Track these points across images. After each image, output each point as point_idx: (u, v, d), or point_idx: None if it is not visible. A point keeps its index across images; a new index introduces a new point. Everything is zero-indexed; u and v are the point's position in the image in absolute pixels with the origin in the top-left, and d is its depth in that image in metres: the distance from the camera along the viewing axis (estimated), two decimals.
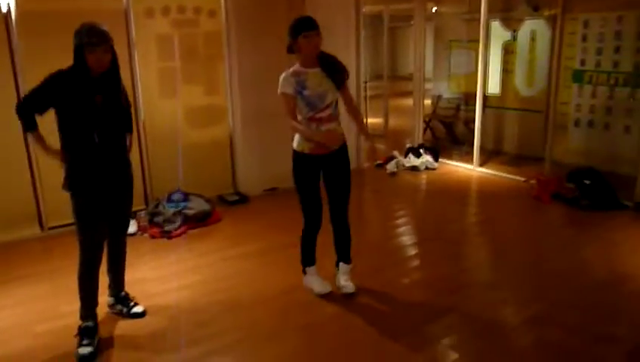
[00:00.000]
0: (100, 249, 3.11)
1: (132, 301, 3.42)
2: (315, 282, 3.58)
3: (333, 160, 3.38)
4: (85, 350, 2.94)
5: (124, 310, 3.37)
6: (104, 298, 3.38)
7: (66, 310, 3.37)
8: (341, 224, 3.53)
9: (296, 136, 3.34)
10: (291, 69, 3.26)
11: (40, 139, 2.97)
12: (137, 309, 3.37)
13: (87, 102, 2.89)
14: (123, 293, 3.42)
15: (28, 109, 2.89)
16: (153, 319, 3.33)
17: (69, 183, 2.98)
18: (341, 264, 3.61)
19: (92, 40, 2.80)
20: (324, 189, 3.45)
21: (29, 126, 2.93)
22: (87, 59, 2.82)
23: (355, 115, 3.51)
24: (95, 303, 3.13)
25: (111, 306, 3.41)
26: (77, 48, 2.82)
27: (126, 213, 3.30)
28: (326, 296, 3.52)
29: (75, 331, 3.04)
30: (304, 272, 3.63)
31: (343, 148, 3.42)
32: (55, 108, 2.91)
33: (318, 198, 3.42)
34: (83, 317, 3.09)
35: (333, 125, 3.31)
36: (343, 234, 3.56)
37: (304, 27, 3.14)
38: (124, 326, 3.26)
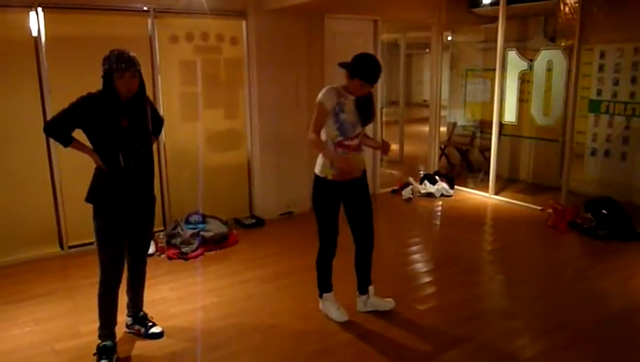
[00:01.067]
0: (120, 269, 3.16)
1: (150, 321, 3.46)
2: (332, 308, 3.59)
3: (356, 186, 3.43)
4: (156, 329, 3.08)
5: (142, 330, 3.41)
6: (123, 317, 3.43)
7: (85, 329, 3.43)
8: (367, 247, 3.57)
9: (320, 161, 3.37)
10: (333, 86, 3.27)
11: (81, 148, 3.06)
12: (155, 330, 3.41)
13: (114, 126, 2.99)
14: (141, 313, 3.47)
15: (55, 129, 2.99)
16: (170, 340, 3.37)
17: (92, 195, 3.06)
18: (371, 287, 3.67)
19: (120, 66, 2.91)
20: (343, 216, 3.48)
21: (65, 142, 3.03)
22: (116, 84, 2.93)
23: (369, 140, 3.56)
24: (114, 323, 3.18)
25: (129, 326, 3.46)
26: (106, 74, 2.93)
27: (147, 234, 3.36)
28: (342, 325, 3.53)
29: (94, 350, 3.09)
30: (321, 297, 3.65)
31: (364, 175, 3.48)
32: (82, 129, 3.01)
33: (337, 224, 3.46)
34: (102, 337, 3.13)
35: (358, 155, 3.38)
36: (368, 257, 3.59)
37: (367, 78, 3.16)
38: (141, 347, 3.30)
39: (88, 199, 3.08)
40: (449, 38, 8.38)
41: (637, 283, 4.19)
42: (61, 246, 4.90)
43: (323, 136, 3.32)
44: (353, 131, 3.30)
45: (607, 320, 3.61)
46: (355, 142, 3.33)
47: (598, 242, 5.10)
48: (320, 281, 3.61)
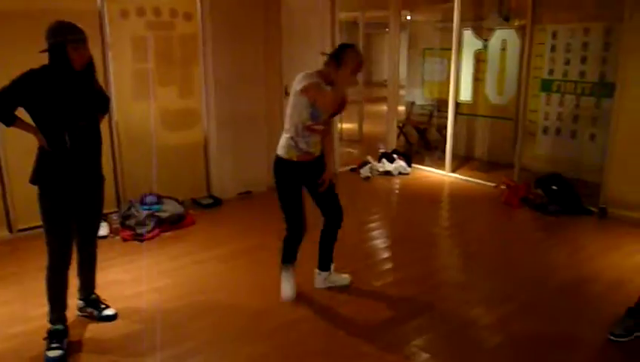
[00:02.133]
0: (69, 252, 3.06)
1: (103, 303, 3.38)
2: (286, 281, 3.58)
3: (316, 165, 3.43)
4: (54, 353, 2.91)
5: (95, 313, 3.34)
6: (75, 300, 3.35)
7: (35, 313, 3.32)
8: (336, 225, 3.58)
9: (284, 143, 3.34)
10: (314, 73, 3.22)
11: (24, 127, 2.91)
12: (108, 312, 3.34)
13: (64, 102, 2.85)
14: (94, 296, 3.39)
15: None
16: (124, 322, 3.31)
17: (36, 176, 2.94)
18: (333, 265, 3.70)
19: (77, 36, 2.79)
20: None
21: (7, 121, 2.89)
22: (71, 56, 2.79)
23: (328, 148, 3.54)
24: (64, 306, 3.10)
25: (81, 309, 3.37)
26: (58, 45, 2.78)
27: (96, 215, 3.27)
28: (298, 298, 3.55)
29: (45, 334, 3.01)
30: (281, 268, 3.61)
31: (322, 155, 3.48)
32: (26, 107, 2.87)
33: (303, 205, 3.45)
34: (52, 321, 3.05)
35: (319, 138, 3.38)
36: (335, 235, 3.62)
37: (359, 68, 3.21)
38: (94, 329, 3.23)
39: (32, 180, 2.95)
40: (408, 17, 8.40)
41: (584, 255, 4.35)
42: (10, 230, 4.72)
43: (292, 121, 3.27)
44: (323, 118, 3.30)
45: (557, 291, 3.75)
46: (322, 127, 3.34)
47: (549, 217, 5.27)
48: (284, 255, 3.58)
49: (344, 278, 3.76)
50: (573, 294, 3.70)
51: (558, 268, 4.15)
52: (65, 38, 2.77)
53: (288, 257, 3.59)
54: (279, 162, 3.37)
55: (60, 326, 3.04)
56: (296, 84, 3.20)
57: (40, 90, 2.81)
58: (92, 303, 3.37)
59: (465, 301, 3.63)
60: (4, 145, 4.53)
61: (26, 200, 4.59)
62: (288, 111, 3.29)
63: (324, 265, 3.69)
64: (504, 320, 3.36)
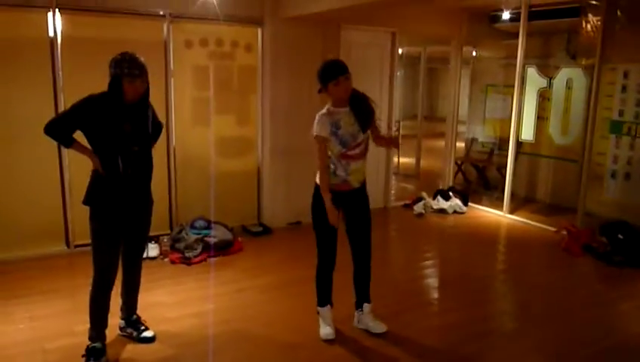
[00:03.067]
0: (114, 272, 3.15)
1: (143, 325, 3.44)
2: (322, 323, 3.51)
3: (355, 197, 3.38)
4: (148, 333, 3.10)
5: (134, 334, 3.39)
6: (117, 319, 3.42)
7: (79, 329, 3.41)
8: (364, 263, 3.49)
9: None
10: (325, 110, 3.27)
11: (81, 149, 3.07)
12: (147, 334, 3.39)
13: (115, 129, 2.99)
14: (135, 317, 3.45)
15: (56, 130, 3.00)
16: (162, 345, 3.34)
17: (89, 197, 3.07)
18: (365, 305, 3.56)
19: (133, 72, 2.92)
20: (342, 229, 3.42)
21: (65, 143, 3.06)
22: (125, 88, 2.93)
23: (381, 138, 3.49)
24: (104, 325, 3.16)
25: (122, 328, 3.44)
26: (115, 77, 2.92)
27: (142, 238, 3.36)
28: (337, 336, 3.46)
29: (84, 352, 3.08)
30: (317, 312, 3.55)
31: (364, 186, 3.42)
32: (82, 131, 3.02)
33: (335, 236, 3.39)
34: (91, 338, 3.12)
35: (361, 162, 3.33)
36: (364, 273, 3.51)
37: (332, 75, 3.15)
38: (132, 350, 3.28)
39: (86, 201, 3.08)
40: (474, 53, 8.27)
41: None
42: (67, 245, 4.93)
43: (330, 153, 3.28)
44: (355, 140, 3.25)
45: (616, 350, 3.46)
46: (357, 150, 3.28)
47: (612, 268, 4.92)
48: (318, 294, 3.53)
49: (378, 325, 3.54)
50: (633, 354, 3.41)
51: (618, 324, 3.84)
52: (122, 72, 2.90)
53: (323, 298, 3.51)
54: (316, 189, 3.35)
55: (98, 344, 3.10)
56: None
57: (96, 116, 2.95)
58: (132, 324, 3.43)
59: (515, 351, 3.41)
60: (68, 164, 4.77)
61: (84, 217, 4.82)
62: None
63: (358, 303, 3.58)
64: None
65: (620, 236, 5.14)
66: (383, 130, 3.53)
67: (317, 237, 3.41)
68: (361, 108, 3.27)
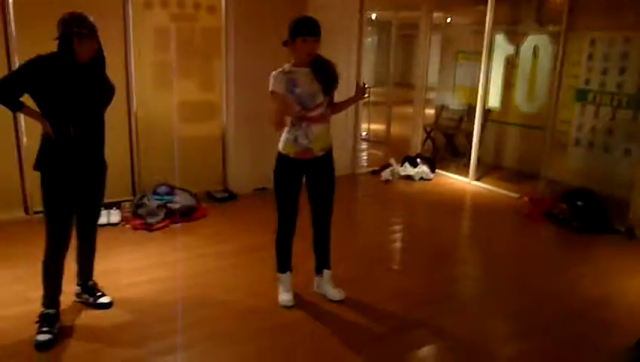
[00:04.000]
0: (67, 238, 3.08)
1: (99, 291, 3.40)
2: (281, 291, 3.52)
3: (318, 165, 3.33)
4: (44, 337, 2.94)
5: (91, 299, 3.36)
6: (73, 286, 3.37)
7: (34, 295, 3.33)
8: (323, 230, 3.49)
9: (283, 139, 3.28)
10: (281, 68, 3.20)
11: (30, 113, 2.95)
12: (103, 300, 3.36)
13: (67, 91, 2.88)
14: (90, 283, 3.41)
15: (3, 93, 2.86)
16: (118, 311, 3.32)
17: (40, 163, 2.98)
18: (325, 271, 3.56)
19: (82, 31, 2.81)
20: (304, 195, 3.39)
21: (13, 107, 2.94)
22: (76, 48, 2.82)
23: (337, 106, 3.44)
24: (58, 291, 3.12)
25: (78, 295, 3.40)
26: (64, 36, 2.82)
27: (96, 203, 3.28)
28: (297, 301, 3.47)
29: (37, 317, 3.04)
30: (277, 277, 3.56)
31: (329, 154, 3.37)
32: (31, 94, 2.90)
33: (296, 204, 3.37)
34: (45, 305, 3.07)
35: (324, 126, 3.27)
36: (324, 240, 3.52)
37: (304, 31, 3.08)
38: (87, 316, 3.25)
39: (36, 167, 3.00)
40: (448, 19, 8.20)
41: (604, 277, 4.13)
42: (26, 212, 4.83)
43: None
44: (314, 101, 3.18)
45: (572, 313, 3.56)
46: (318, 111, 3.21)
47: (572, 234, 5.03)
48: (277, 260, 3.53)
49: (337, 293, 3.55)
50: (588, 317, 3.51)
51: (574, 288, 3.94)
52: (71, 31, 2.80)
53: (283, 265, 3.51)
54: (278, 157, 3.31)
55: (51, 311, 3.06)
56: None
57: (46, 78, 2.84)
58: (88, 290, 3.39)
59: (473, 314, 3.49)
60: (24, 129, 4.62)
61: None
62: None
63: (318, 268, 3.59)
64: (512, 337, 3.22)
65: (580, 203, 5.23)
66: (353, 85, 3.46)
67: (278, 204, 3.38)
68: (323, 70, 3.21)
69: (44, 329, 2.98)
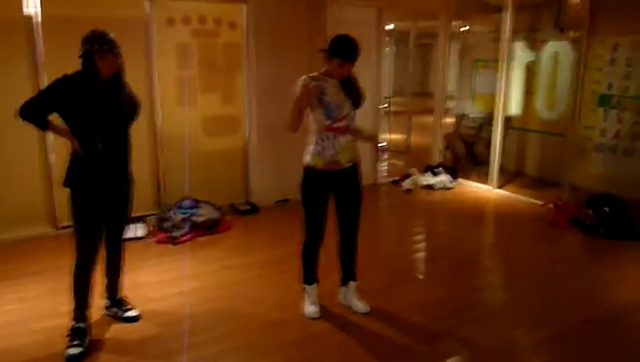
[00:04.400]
0: (95, 253, 3.14)
1: (128, 304, 3.45)
2: (307, 301, 3.53)
3: (345, 177, 3.34)
4: (74, 350, 2.99)
5: (119, 313, 3.41)
6: (102, 300, 3.43)
7: (64, 309, 3.41)
8: (350, 242, 3.49)
9: (309, 150, 3.30)
10: (312, 74, 3.23)
11: (58, 131, 3.05)
12: (131, 313, 3.40)
13: (93, 108, 2.96)
14: (118, 297, 3.46)
15: (31, 113, 2.95)
16: (146, 324, 3.36)
17: (69, 179, 3.06)
18: (351, 283, 3.56)
19: (103, 47, 2.90)
20: (332, 206, 3.41)
21: (42, 126, 3.01)
22: (98, 65, 2.91)
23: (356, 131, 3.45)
24: (87, 305, 3.17)
25: (107, 308, 3.46)
26: (87, 54, 2.91)
27: (123, 218, 3.34)
28: (323, 312, 3.48)
29: (68, 331, 3.09)
30: (303, 289, 3.57)
31: (355, 165, 3.39)
32: (59, 112, 2.99)
33: (324, 216, 3.38)
34: (75, 319, 3.13)
35: (350, 142, 3.29)
36: (350, 251, 3.52)
37: (343, 56, 3.12)
38: (116, 330, 3.30)
39: (66, 183, 3.08)
40: (462, 28, 8.19)
41: (630, 284, 4.06)
42: (54, 226, 4.92)
43: (313, 125, 3.24)
44: (341, 112, 3.21)
45: (598, 319, 3.51)
46: (344, 123, 3.23)
47: (598, 240, 4.96)
48: (304, 272, 3.54)
49: (362, 305, 3.52)
50: (616, 324, 3.46)
51: (603, 294, 3.89)
52: (92, 48, 2.88)
53: (309, 276, 3.52)
54: (305, 170, 3.32)
55: (82, 325, 3.11)
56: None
57: (72, 97, 2.93)
58: (117, 303, 3.44)
59: (499, 323, 3.46)
60: (52, 146, 4.73)
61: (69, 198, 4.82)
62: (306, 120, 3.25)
63: (344, 279, 3.59)
64: (540, 346, 3.18)
65: (606, 209, 5.16)
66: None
67: (305, 216, 3.39)
68: (351, 87, 3.26)
69: (75, 342, 3.03)
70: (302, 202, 3.38)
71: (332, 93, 3.19)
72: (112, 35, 2.97)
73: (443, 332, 3.33)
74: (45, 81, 4.51)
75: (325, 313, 3.49)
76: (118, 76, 3.05)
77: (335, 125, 3.21)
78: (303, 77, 3.22)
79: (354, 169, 3.37)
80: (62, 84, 2.93)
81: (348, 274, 3.57)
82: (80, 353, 2.98)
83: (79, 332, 3.08)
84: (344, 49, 3.12)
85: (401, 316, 3.51)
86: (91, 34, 2.93)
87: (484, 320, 3.51)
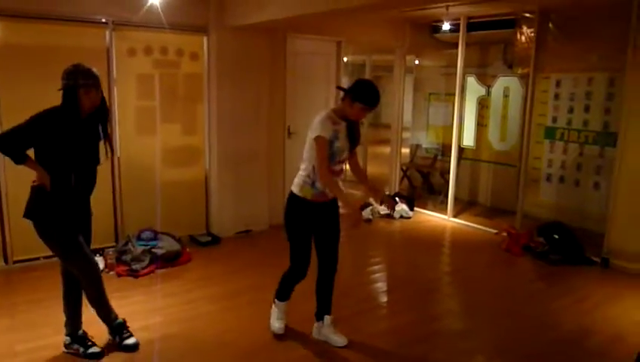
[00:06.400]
0: (97, 265, 3.27)
1: (90, 341, 3.33)
2: (274, 316, 3.58)
3: (329, 207, 3.38)
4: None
5: (81, 350, 3.29)
6: (60, 337, 3.31)
7: (21, 348, 3.30)
8: (329, 277, 3.50)
9: (299, 182, 3.30)
10: (327, 115, 3.21)
11: (33, 166, 2.98)
12: (94, 349, 3.29)
13: (72, 145, 2.95)
14: (81, 332, 3.35)
15: (9, 146, 2.90)
16: (108, 361, 3.25)
17: (33, 212, 3.00)
18: (327, 317, 3.56)
19: (88, 82, 2.91)
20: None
21: (18, 160, 2.95)
22: (81, 100, 2.91)
23: (362, 176, 3.62)
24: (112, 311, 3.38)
25: (67, 346, 3.32)
26: (70, 89, 2.89)
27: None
28: (288, 342, 3.49)
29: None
30: (274, 302, 3.60)
31: (335, 198, 3.42)
32: (36, 147, 2.96)
33: (310, 245, 3.39)
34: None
35: (339, 179, 3.38)
36: (329, 286, 3.53)
37: (369, 103, 3.15)
38: None
39: (29, 215, 3.02)
40: (416, 62, 8.51)
41: (586, 307, 4.26)
42: (5, 261, 4.72)
43: (309, 162, 3.25)
44: (341, 156, 3.28)
45: (558, 343, 3.65)
46: (339, 167, 3.32)
47: (551, 266, 5.18)
48: (279, 290, 3.56)
49: (340, 338, 3.52)
50: (573, 347, 3.61)
51: (558, 319, 4.05)
52: (77, 83, 2.88)
53: (283, 294, 3.55)
54: (293, 199, 3.33)
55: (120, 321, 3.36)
56: (313, 130, 3.18)
57: (52, 132, 2.91)
58: (79, 340, 3.32)
59: (461, 351, 3.53)
60: (4, 177, 4.57)
61: (23, 232, 4.64)
62: (306, 152, 3.26)
63: (319, 314, 3.59)
64: None
65: (556, 236, 5.41)
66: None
67: (291, 246, 3.40)
68: (355, 129, 3.32)
69: (89, 343, 3.27)
70: (288, 233, 3.39)
71: (342, 138, 3.24)
72: (94, 69, 2.99)
73: (414, 359, 3.38)
74: (0, 111, 4.40)
75: (295, 343, 3.49)
76: (99, 110, 3.04)
77: (334, 167, 3.26)
78: (322, 118, 3.17)
79: (335, 200, 3.41)
80: (42, 120, 2.90)
81: (324, 308, 3.56)
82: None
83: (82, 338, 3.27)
84: (370, 96, 3.16)
85: (370, 343, 3.55)
86: (74, 68, 2.92)
87: (451, 347, 3.60)
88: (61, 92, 2.92)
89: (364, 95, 3.16)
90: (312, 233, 3.37)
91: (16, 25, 4.50)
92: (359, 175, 3.59)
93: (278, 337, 3.54)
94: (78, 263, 3.11)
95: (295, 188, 3.33)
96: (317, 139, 3.13)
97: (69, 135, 2.92)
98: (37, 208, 2.99)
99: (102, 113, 3.07)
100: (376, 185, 3.55)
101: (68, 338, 3.33)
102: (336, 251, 3.47)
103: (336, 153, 3.21)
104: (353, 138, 3.31)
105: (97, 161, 3.14)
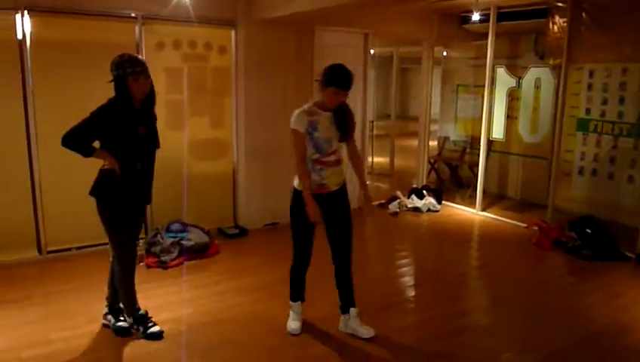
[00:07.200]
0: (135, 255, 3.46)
1: (150, 321, 3.48)
2: (291, 318, 3.59)
3: (334, 199, 3.38)
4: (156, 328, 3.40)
5: (112, 321, 3.46)
6: (94, 326, 3.41)
7: (55, 336, 3.38)
8: (345, 268, 3.49)
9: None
10: (306, 107, 3.27)
11: (102, 156, 3.10)
12: (154, 329, 3.43)
13: (132, 135, 3.05)
14: (142, 312, 3.48)
15: (75, 141, 3.00)
16: (142, 350, 3.31)
17: (99, 192, 3.13)
18: (352, 310, 3.54)
19: (136, 69, 2.98)
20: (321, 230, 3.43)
21: (86, 153, 3.05)
22: (131, 88, 2.98)
23: (358, 167, 3.56)
24: (135, 301, 3.47)
25: (105, 316, 3.53)
26: (119, 79, 2.96)
27: (138, 234, 3.52)
28: (316, 336, 3.50)
29: (61, 358, 3.08)
30: (290, 306, 3.63)
31: (343, 188, 3.43)
32: (100, 140, 3.08)
33: (312, 238, 3.42)
34: (128, 314, 3.40)
35: (337, 169, 3.35)
36: (346, 277, 3.52)
37: (338, 84, 3.14)
38: (110, 355, 3.24)
39: (95, 194, 3.14)
40: (444, 53, 8.40)
41: (618, 304, 4.15)
42: (39, 251, 4.84)
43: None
44: (330, 147, 3.27)
45: (587, 340, 3.57)
46: (333, 158, 3.31)
47: (582, 261, 5.07)
48: (291, 290, 3.60)
49: (366, 330, 3.50)
50: (605, 344, 3.52)
51: (591, 314, 3.96)
52: (125, 72, 2.94)
53: (295, 293, 3.58)
54: (293, 193, 3.37)
55: (142, 312, 3.43)
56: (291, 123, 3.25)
57: (111, 126, 3.01)
58: (115, 312, 3.49)
59: (489, 347, 3.49)
60: (39, 169, 4.67)
61: (56, 222, 4.76)
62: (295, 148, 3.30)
63: (344, 307, 3.58)
64: None
65: (588, 230, 5.29)
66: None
67: (294, 238, 3.45)
68: (344, 117, 3.30)
69: (150, 324, 3.41)
70: (291, 225, 3.44)
71: (323, 129, 3.24)
72: (140, 56, 3.05)
73: (440, 354, 3.35)
74: (34, 105, 4.50)
75: (323, 337, 3.50)
76: (150, 98, 3.13)
77: (323, 159, 3.26)
78: (297, 112, 3.25)
79: (342, 191, 3.41)
80: (102, 114, 3.01)
81: (347, 301, 3.56)
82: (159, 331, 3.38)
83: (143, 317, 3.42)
84: (339, 78, 3.16)
85: (396, 338, 3.53)
86: (120, 58, 2.99)
87: (476, 343, 3.55)
88: (112, 84, 3.00)
89: (333, 78, 3.16)
90: (313, 227, 3.37)
91: (48, 20, 4.58)
92: (355, 166, 3.54)
93: (301, 333, 3.54)
94: (122, 247, 3.25)
95: (295, 182, 3.36)
96: (292, 132, 3.22)
97: (129, 124, 3.02)
98: (104, 189, 3.12)
99: (152, 99, 3.16)
100: (367, 193, 3.51)
101: (106, 308, 3.52)
102: (348, 241, 3.46)
103: (319, 143, 3.22)
104: (343, 126, 3.28)
105: (157, 145, 3.25)
